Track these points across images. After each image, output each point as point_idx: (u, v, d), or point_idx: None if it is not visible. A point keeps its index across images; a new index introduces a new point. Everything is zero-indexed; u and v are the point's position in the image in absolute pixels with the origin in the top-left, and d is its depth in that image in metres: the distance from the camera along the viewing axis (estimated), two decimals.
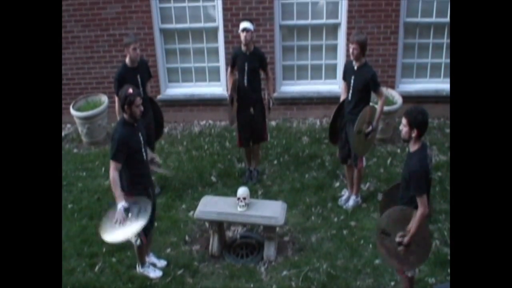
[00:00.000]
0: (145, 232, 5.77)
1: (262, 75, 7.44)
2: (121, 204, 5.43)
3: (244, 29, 6.98)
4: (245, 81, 7.22)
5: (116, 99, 6.60)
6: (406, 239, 4.91)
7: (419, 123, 4.76)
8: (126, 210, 5.45)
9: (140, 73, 7.00)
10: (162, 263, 6.24)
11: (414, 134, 4.79)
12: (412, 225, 4.87)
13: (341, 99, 6.87)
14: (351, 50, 6.42)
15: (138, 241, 5.80)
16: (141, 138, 5.58)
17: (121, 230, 5.46)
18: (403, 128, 4.83)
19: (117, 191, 5.44)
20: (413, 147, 4.89)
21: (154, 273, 6.08)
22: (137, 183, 5.61)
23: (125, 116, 5.48)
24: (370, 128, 6.55)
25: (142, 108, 5.47)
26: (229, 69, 7.48)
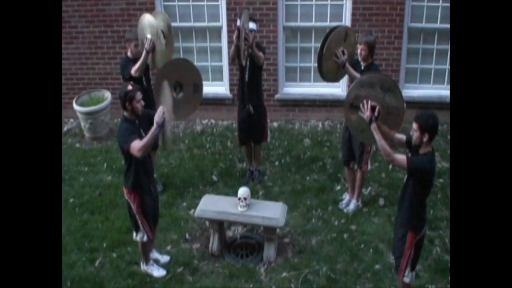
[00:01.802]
0: (150, 226, 5.81)
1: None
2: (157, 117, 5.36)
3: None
4: (246, 78, 7.21)
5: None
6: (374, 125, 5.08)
7: (430, 127, 4.75)
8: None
9: None
10: (165, 258, 6.26)
11: (425, 139, 4.77)
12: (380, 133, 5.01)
13: None
14: (359, 51, 6.43)
15: (145, 237, 5.80)
16: (144, 135, 5.57)
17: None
18: (414, 133, 4.82)
19: (149, 138, 5.30)
20: (423, 150, 4.86)
21: (158, 272, 6.08)
22: (142, 180, 5.61)
23: (126, 113, 5.48)
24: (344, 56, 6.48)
25: (143, 102, 5.49)
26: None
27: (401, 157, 4.85)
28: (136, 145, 5.28)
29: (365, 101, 5.15)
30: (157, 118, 5.32)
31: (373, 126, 5.07)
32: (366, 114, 5.11)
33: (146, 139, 5.30)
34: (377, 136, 5.01)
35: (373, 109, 5.12)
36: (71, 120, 9.49)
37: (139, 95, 5.41)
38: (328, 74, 6.68)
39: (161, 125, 5.36)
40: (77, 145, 8.89)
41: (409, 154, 4.96)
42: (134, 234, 5.88)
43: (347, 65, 6.46)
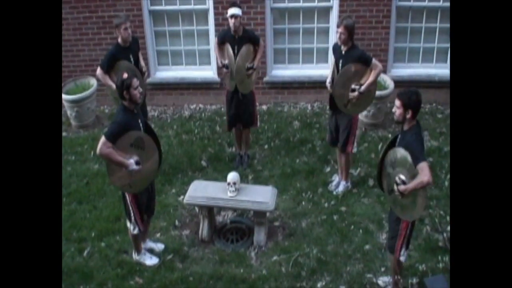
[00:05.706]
0: (142, 218, 5.75)
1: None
2: (131, 162, 5.33)
3: (233, 16, 6.86)
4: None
5: (99, 71, 6.85)
6: (403, 187, 4.81)
7: (413, 104, 4.73)
8: (138, 163, 5.37)
9: (132, 52, 6.99)
10: (159, 246, 6.22)
11: (408, 115, 4.76)
12: (410, 184, 4.75)
13: (328, 78, 6.74)
14: (338, 35, 6.36)
15: (136, 230, 5.75)
16: (141, 125, 5.49)
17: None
18: (397, 110, 4.80)
19: (118, 158, 5.25)
20: (407, 126, 4.84)
21: (151, 261, 6.04)
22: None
23: (125, 103, 5.32)
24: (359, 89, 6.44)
25: (140, 89, 5.35)
26: (215, 46, 7.29)
27: (425, 167, 4.66)
28: (104, 145, 5.18)
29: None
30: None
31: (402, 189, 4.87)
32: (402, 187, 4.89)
33: (113, 156, 5.22)
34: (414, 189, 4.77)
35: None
36: None
37: (135, 81, 5.26)
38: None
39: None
40: (64, 134, 8.74)
41: (424, 162, 4.71)
42: (128, 223, 5.82)
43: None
